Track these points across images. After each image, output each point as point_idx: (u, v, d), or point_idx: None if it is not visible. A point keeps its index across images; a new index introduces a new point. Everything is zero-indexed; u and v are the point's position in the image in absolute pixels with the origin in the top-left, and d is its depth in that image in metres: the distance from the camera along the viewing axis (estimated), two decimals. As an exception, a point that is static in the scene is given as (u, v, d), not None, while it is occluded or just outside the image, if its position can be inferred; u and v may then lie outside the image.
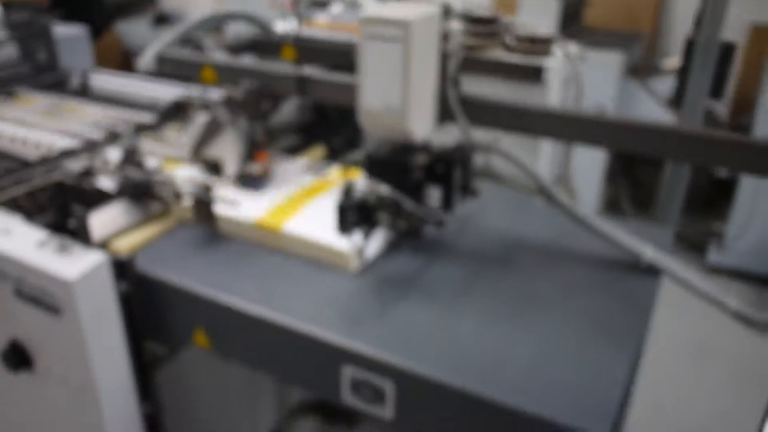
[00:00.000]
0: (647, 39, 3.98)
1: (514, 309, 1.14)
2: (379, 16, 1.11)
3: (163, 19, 4.94)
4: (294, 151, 1.72)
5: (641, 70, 3.77)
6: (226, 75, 1.48)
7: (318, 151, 1.78)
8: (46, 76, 2.28)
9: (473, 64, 1.52)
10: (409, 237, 1.30)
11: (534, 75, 1.50)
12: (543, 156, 1.61)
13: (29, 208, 1.44)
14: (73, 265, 1.16)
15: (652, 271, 1.25)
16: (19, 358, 1.32)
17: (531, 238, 1.38)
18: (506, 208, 1.49)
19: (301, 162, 1.63)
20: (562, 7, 3.18)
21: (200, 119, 1.49)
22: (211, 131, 1.47)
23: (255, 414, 2.01)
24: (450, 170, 1.21)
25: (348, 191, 1.17)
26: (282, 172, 1.55)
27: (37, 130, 1.80)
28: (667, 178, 1.85)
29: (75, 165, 1.55)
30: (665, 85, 3.70)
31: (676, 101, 3.39)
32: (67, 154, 1.61)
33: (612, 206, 3.91)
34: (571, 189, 1.66)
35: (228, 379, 1.81)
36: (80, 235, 1.24)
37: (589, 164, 3.28)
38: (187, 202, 1.37)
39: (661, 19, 4.18)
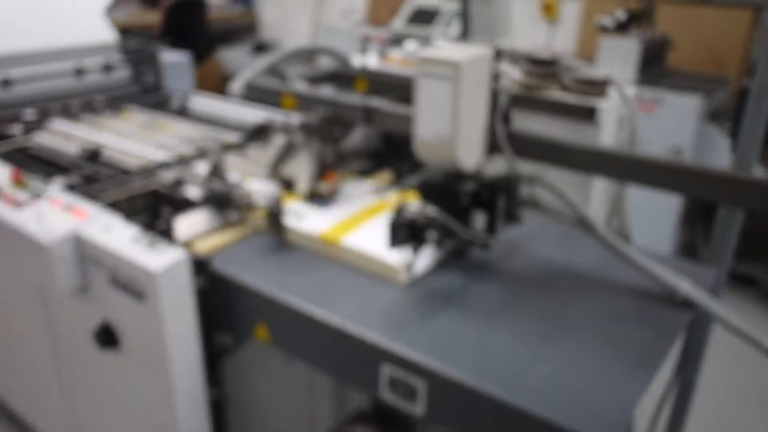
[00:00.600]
0: (734, 83, 3.93)
1: (545, 329, 1.23)
2: (433, 56, 1.25)
3: (261, 48, 5.30)
4: (362, 174, 1.88)
5: (724, 114, 3.73)
6: (303, 103, 1.66)
7: (384, 176, 1.92)
8: (151, 96, 2.56)
9: (530, 103, 1.64)
10: (456, 257, 1.41)
11: (587, 115, 1.59)
12: (595, 191, 1.68)
13: (127, 210, 1.65)
14: (159, 259, 1.34)
15: (687, 305, 1.31)
16: (108, 337, 1.52)
17: (573, 266, 1.46)
18: (553, 237, 1.57)
19: (367, 184, 1.78)
20: (642, 49, 3.22)
21: (279, 141, 1.67)
22: (287, 152, 1.64)
23: (312, 416, 2.15)
24: (494, 198, 1.32)
25: (399, 211, 1.31)
26: (348, 192, 1.71)
27: (136, 142, 2.04)
28: (721, 218, 1.88)
29: (168, 176, 1.77)
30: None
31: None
32: (162, 166, 1.83)
33: (688, 250, 3.85)
34: (623, 224, 1.72)
35: (288, 380, 1.96)
36: (167, 235, 1.43)
37: (663, 207, 3.28)
38: (262, 214, 1.54)
39: (749, 63, 4.11)
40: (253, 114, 2.28)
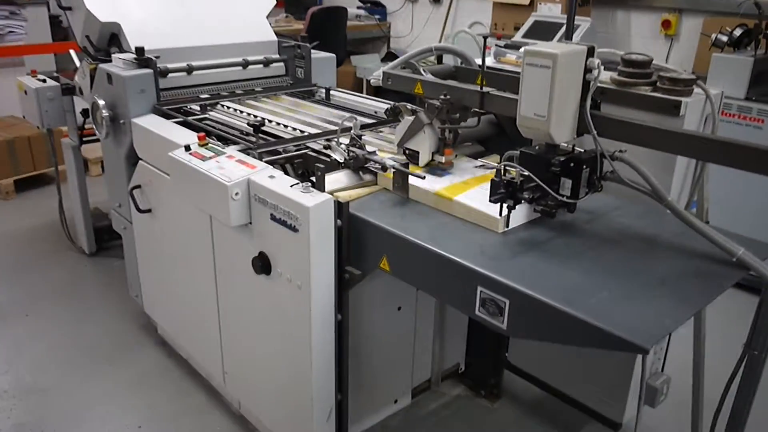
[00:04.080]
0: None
1: (611, 271, 1.52)
2: (537, 49, 1.58)
3: (392, 56, 5.77)
4: (474, 157, 2.22)
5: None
6: (430, 90, 2.03)
7: (493, 159, 2.25)
8: (300, 87, 3.03)
9: (620, 96, 1.91)
10: (546, 215, 1.72)
11: (672, 109, 1.85)
12: (677, 174, 1.93)
13: (286, 169, 2.09)
14: (312, 199, 1.75)
15: (742, 268, 1.55)
16: (264, 264, 1.95)
17: (646, 233, 1.73)
18: (633, 211, 1.84)
19: (477, 162, 2.12)
20: (755, 65, 3.34)
21: (407, 120, 2.05)
22: (413, 129, 2.01)
23: (413, 366, 2.51)
24: (580, 168, 1.62)
25: (500, 172, 1.64)
26: (461, 166, 2.05)
27: (289, 120, 2.50)
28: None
29: (316, 144, 2.19)
30: None
31: None
32: (312, 136, 2.26)
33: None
34: (702, 205, 1.96)
35: (397, 324, 2.33)
36: (318, 185, 1.83)
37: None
38: (390, 175, 1.92)
39: None
40: (383, 106, 2.69)
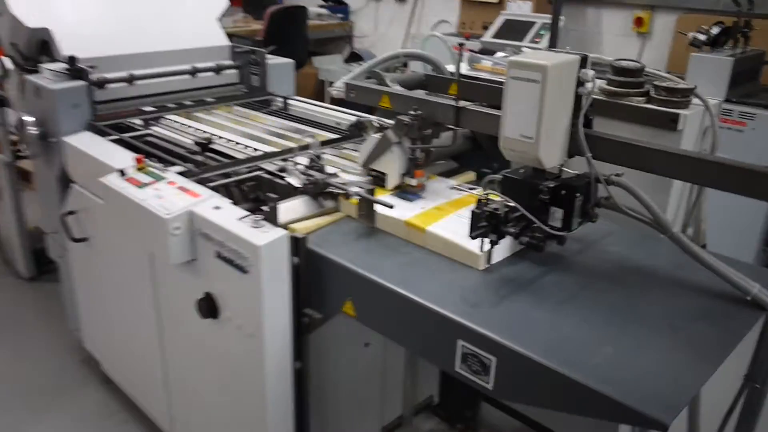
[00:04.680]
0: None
1: (612, 317, 1.31)
2: (523, 60, 1.35)
3: (355, 57, 5.52)
4: (448, 175, 1.99)
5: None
6: (399, 103, 1.79)
7: (468, 176, 2.03)
8: (256, 96, 2.77)
9: (612, 109, 1.71)
10: (533, 249, 1.50)
11: (669, 122, 1.65)
12: (673, 197, 1.73)
13: (234, 193, 1.84)
14: (262, 236, 1.51)
15: (758, 307, 1.35)
16: (210, 307, 1.69)
17: (644, 265, 1.52)
18: (627, 238, 1.63)
19: (451, 182, 1.90)
20: (734, 65, 3.18)
21: (373, 137, 1.82)
22: (380, 148, 1.78)
23: (383, 402, 2.28)
24: (572, 195, 1.41)
25: (482, 202, 1.41)
26: (433, 188, 1.82)
27: (242, 136, 2.24)
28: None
29: (270, 166, 1.94)
30: None
31: None
32: (265, 157, 2.00)
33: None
34: (698, 231, 1.76)
35: (364, 364, 2.10)
36: (270, 218, 1.59)
37: (747, 222, 3.23)
38: (354, 202, 1.68)
39: None
40: (346, 117, 2.45)
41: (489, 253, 1.47)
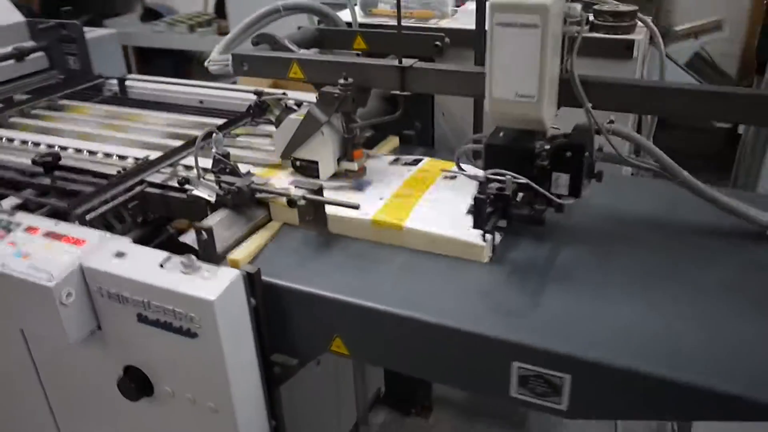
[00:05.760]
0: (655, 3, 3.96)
1: (663, 291, 1.13)
2: (511, 1, 1.08)
3: (151, 14, 4.79)
4: (368, 146, 1.68)
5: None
6: (317, 72, 1.42)
7: (392, 143, 1.74)
8: (79, 83, 2.18)
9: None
10: (534, 223, 1.27)
11: (624, 49, 1.48)
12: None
13: (117, 224, 1.39)
14: (208, 285, 1.12)
15: (777, 239, 1.25)
16: (138, 385, 1.27)
17: (642, 213, 1.37)
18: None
19: (386, 157, 1.60)
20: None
21: (290, 120, 1.45)
22: (305, 132, 1.42)
23: (341, 414, 2.00)
24: (580, 156, 1.19)
25: (483, 185, 1.15)
26: (375, 168, 1.52)
27: (100, 142, 1.73)
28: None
29: (159, 174, 1.50)
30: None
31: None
32: (146, 165, 1.53)
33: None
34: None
35: (321, 383, 1.80)
36: (207, 253, 1.19)
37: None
38: (292, 206, 1.32)
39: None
40: (206, 92, 2.01)
41: (493, 242, 1.22)
